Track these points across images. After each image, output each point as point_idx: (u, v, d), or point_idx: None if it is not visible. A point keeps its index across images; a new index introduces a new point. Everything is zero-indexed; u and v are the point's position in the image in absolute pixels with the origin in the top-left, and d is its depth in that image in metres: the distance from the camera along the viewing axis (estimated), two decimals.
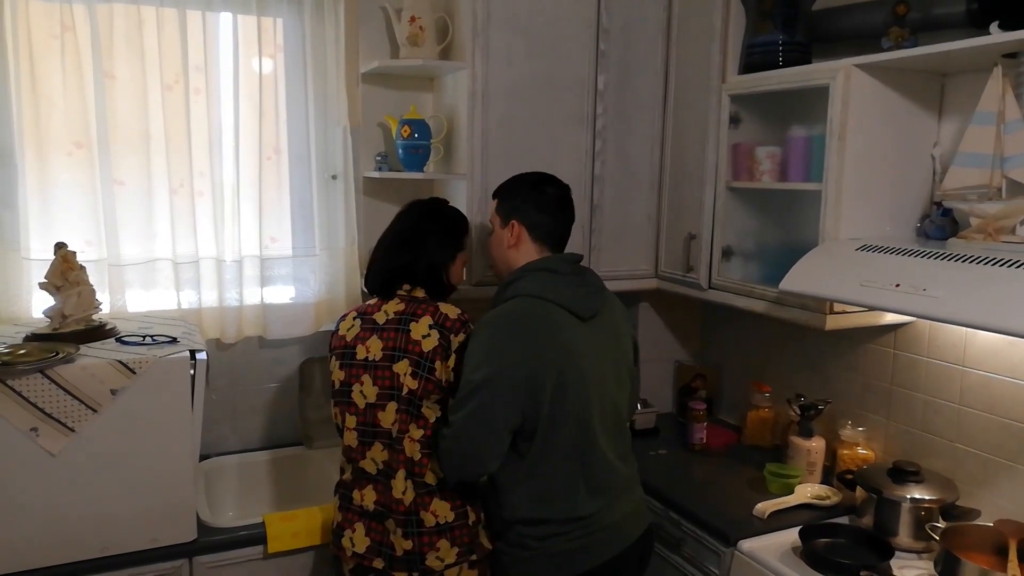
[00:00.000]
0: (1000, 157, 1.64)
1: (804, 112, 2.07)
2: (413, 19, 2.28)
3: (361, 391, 1.77)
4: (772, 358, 2.56)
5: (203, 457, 2.31)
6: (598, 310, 1.80)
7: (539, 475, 1.72)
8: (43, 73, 2.07)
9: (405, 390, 1.73)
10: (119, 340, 1.90)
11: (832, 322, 1.93)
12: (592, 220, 2.45)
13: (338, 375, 1.82)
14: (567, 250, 1.89)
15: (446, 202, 2.01)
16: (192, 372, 1.82)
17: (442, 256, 1.87)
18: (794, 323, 2.05)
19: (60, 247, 1.93)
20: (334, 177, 2.40)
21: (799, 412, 2.21)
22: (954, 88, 1.96)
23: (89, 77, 2.10)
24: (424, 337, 1.74)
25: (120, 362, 1.75)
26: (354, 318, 1.84)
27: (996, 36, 1.56)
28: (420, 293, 1.84)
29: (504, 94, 2.26)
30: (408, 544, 1.74)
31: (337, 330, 1.86)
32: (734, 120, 2.24)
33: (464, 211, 2.26)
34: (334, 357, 1.83)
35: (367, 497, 1.79)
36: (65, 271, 1.91)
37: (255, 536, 1.93)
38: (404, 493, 1.74)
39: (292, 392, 2.50)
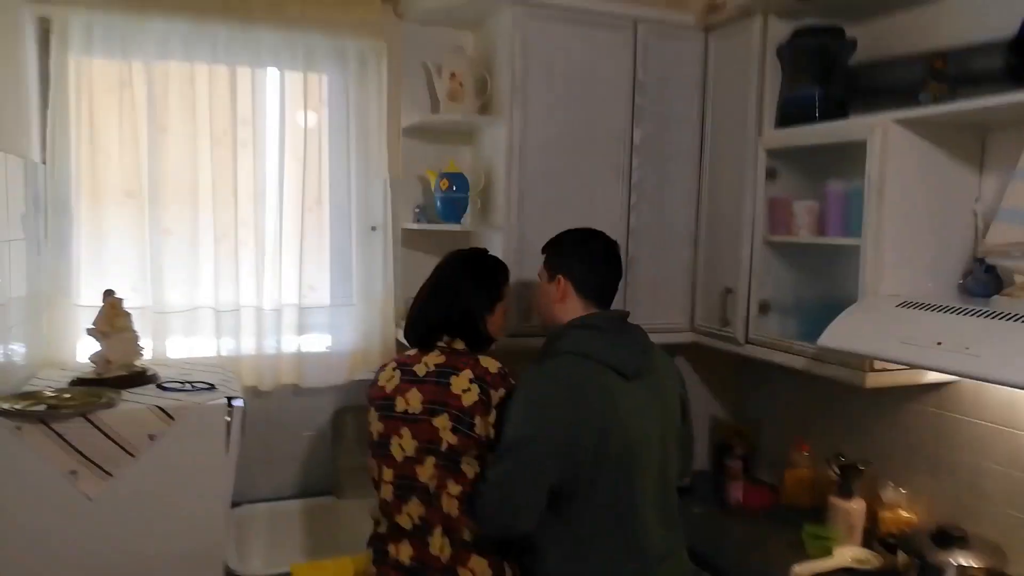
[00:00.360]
0: None
1: (842, 166, 2.06)
2: (453, 75, 2.35)
3: (400, 444, 1.75)
4: (811, 416, 2.50)
5: (235, 504, 2.31)
6: (643, 368, 1.75)
7: (577, 537, 1.68)
8: (102, 126, 2.18)
9: (444, 445, 1.70)
10: (159, 386, 1.94)
11: (872, 380, 1.89)
12: (628, 273, 2.44)
13: (377, 427, 1.79)
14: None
15: (485, 251, 2.02)
16: (228, 419, 1.85)
17: (478, 304, 1.86)
18: (834, 380, 2.00)
19: (108, 294, 1.99)
20: (373, 228, 2.45)
21: (839, 472, 2.14)
22: (995, 143, 1.94)
23: (144, 130, 2.20)
24: (464, 391, 1.72)
25: (159, 408, 1.78)
26: (394, 369, 1.82)
27: None
28: (460, 345, 1.82)
29: (541, 148, 2.29)
30: None
31: (376, 381, 1.83)
32: (771, 174, 2.24)
33: None
34: (373, 408, 1.81)
35: (403, 552, 1.76)
36: (112, 318, 1.97)
37: None
38: (441, 550, 1.72)
39: (325, 441, 2.51)
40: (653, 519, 1.74)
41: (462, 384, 1.73)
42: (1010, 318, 1.51)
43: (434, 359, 1.79)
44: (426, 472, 1.72)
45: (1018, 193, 1.65)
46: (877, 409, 2.25)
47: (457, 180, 2.36)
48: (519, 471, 1.63)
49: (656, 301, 2.51)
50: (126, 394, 1.85)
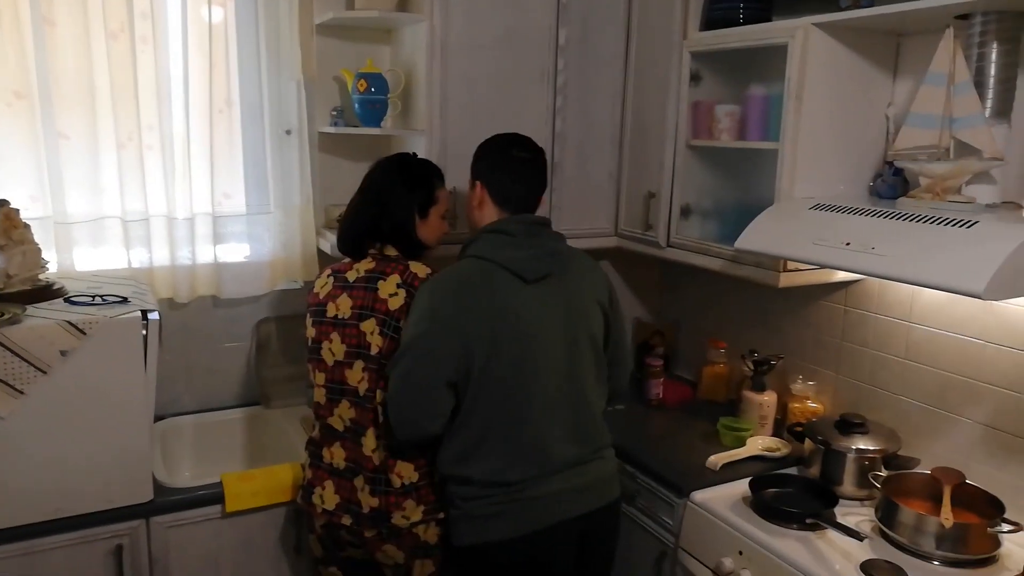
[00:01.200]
0: (949, 118, 1.67)
1: (764, 71, 2.07)
2: None
3: (330, 348, 1.78)
4: (728, 315, 2.60)
5: (158, 418, 2.27)
6: (547, 273, 1.73)
7: (465, 434, 1.70)
8: None
9: (373, 349, 1.74)
10: (67, 300, 1.85)
11: (785, 280, 1.97)
12: (553, 178, 2.44)
13: (310, 332, 1.84)
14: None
15: (414, 156, 1.98)
16: (144, 332, 1.79)
17: (405, 212, 1.84)
18: (749, 281, 2.08)
19: (2, 204, 1.86)
20: (288, 132, 2.34)
21: (752, 367, 2.26)
22: (909, 49, 1.98)
23: (28, 23, 2.00)
24: (391, 296, 1.75)
25: (69, 323, 1.71)
26: (328, 275, 1.85)
27: None
28: (392, 252, 1.83)
29: (463, 48, 2.21)
30: (375, 502, 1.76)
31: (313, 287, 1.88)
32: (695, 78, 2.23)
33: None
34: (308, 314, 1.86)
35: (336, 455, 1.80)
36: (8, 229, 1.85)
37: (213, 496, 1.93)
38: (374, 451, 1.76)
39: (249, 352, 2.47)
40: (554, 429, 1.73)
41: (389, 289, 1.75)
42: (913, 219, 1.59)
43: (365, 265, 1.81)
44: (355, 376, 1.75)
45: (926, 98, 1.69)
46: (789, 307, 2.36)
47: (376, 81, 2.26)
48: (415, 369, 1.65)
49: (581, 206, 2.51)
50: (31, 309, 1.76)
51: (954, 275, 1.41)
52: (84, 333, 1.72)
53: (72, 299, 1.85)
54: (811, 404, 2.23)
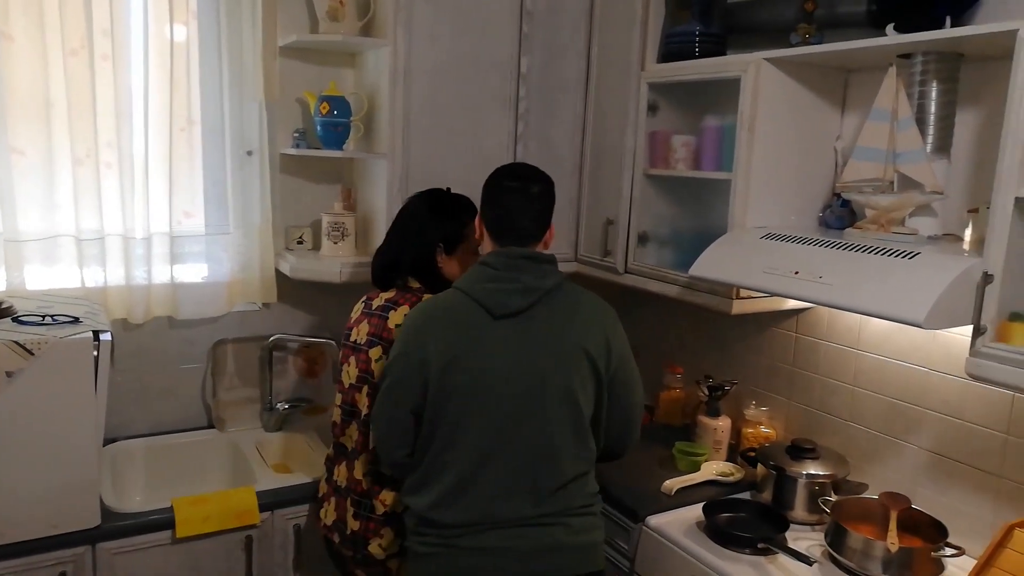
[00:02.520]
0: (893, 152, 1.73)
1: (719, 103, 2.13)
2: None
3: (347, 371, 1.86)
4: (684, 341, 2.64)
5: (109, 441, 2.24)
6: (518, 310, 1.61)
7: (420, 466, 1.65)
8: None
9: (375, 375, 1.78)
10: (16, 320, 1.81)
11: (738, 307, 2.01)
12: None
13: (340, 354, 1.93)
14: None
15: (447, 191, 1.97)
16: (96, 353, 1.76)
17: (427, 248, 1.86)
18: (704, 307, 2.12)
19: None
20: (249, 153, 2.34)
21: (707, 392, 2.29)
22: (857, 84, 2.05)
23: None
24: (396, 326, 1.79)
25: (16, 343, 1.67)
26: (362, 301, 1.93)
27: (891, 38, 1.64)
28: (415, 284, 1.88)
29: (426, 73, 2.24)
30: (356, 525, 1.79)
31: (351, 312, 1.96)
32: (652, 108, 2.29)
33: (384, 192, 2.26)
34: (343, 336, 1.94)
35: (341, 473, 1.86)
36: None
37: (163, 521, 1.89)
38: (364, 476, 1.80)
39: (204, 374, 2.43)
40: (497, 478, 1.59)
41: (396, 319, 1.80)
42: (859, 249, 1.64)
43: (387, 295, 1.88)
44: (362, 400, 1.81)
45: (872, 133, 1.76)
46: (743, 333, 2.41)
47: (338, 104, 2.27)
48: (384, 396, 1.67)
49: None
50: None
51: (897, 304, 1.46)
52: (32, 354, 1.68)
53: (21, 319, 1.81)
54: (764, 429, 2.27)
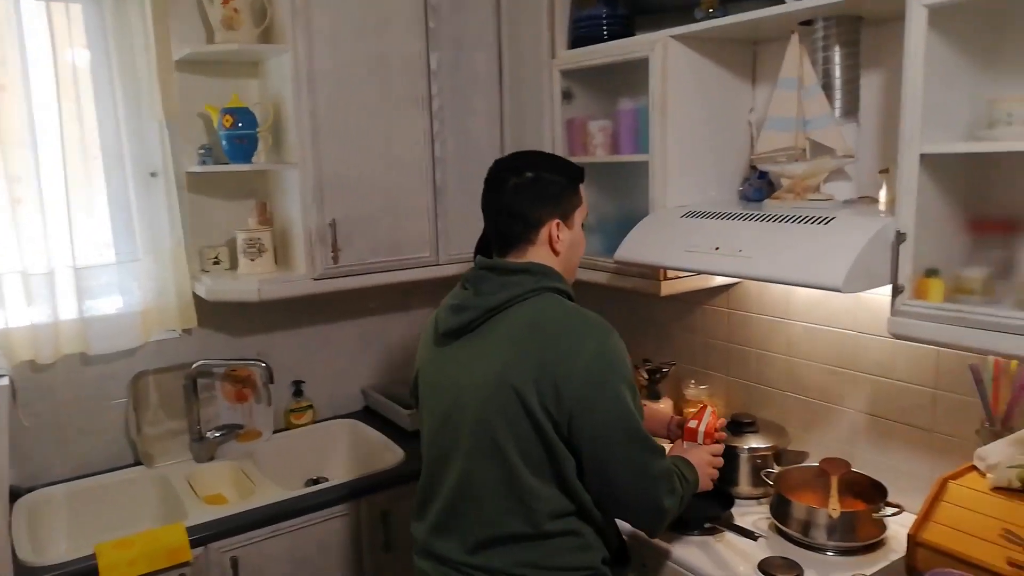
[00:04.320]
0: (803, 120, 1.73)
1: (631, 85, 2.11)
2: (226, 0, 2.14)
3: None
4: (620, 326, 2.59)
5: (27, 490, 2.11)
6: (452, 329, 1.42)
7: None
8: None
9: None
10: None
11: (667, 288, 2.00)
12: (437, 203, 2.41)
13: None
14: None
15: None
16: None
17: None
18: (635, 291, 2.10)
19: None
20: (153, 174, 2.22)
21: (646, 376, 2.28)
22: (765, 56, 2.05)
23: None
24: None
25: None
26: None
27: (790, 4, 1.64)
28: None
29: (331, 77, 2.17)
30: None
31: None
32: (567, 95, 2.26)
33: (299, 203, 2.18)
34: None
35: None
36: None
37: (86, 570, 1.76)
38: None
39: (126, 409, 2.31)
40: (440, 516, 1.45)
41: None
42: (776, 220, 1.63)
43: None
44: None
45: (781, 102, 1.75)
46: (676, 314, 2.40)
47: (242, 115, 2.18)
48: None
49: (468, 230, 2.48)
50: None
51: (815, 271, 1.45)
52: None
53: None
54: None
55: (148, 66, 2.18)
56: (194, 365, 2.30)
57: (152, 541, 1.83)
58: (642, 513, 1.39)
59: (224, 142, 2.20)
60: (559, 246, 1.46)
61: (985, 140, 1.38)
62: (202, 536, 1.88)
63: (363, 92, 2.23)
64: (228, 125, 2.17)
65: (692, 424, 1.65)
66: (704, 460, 1.57)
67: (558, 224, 1.45)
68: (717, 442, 1.63)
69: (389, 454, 2.31)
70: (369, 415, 2.64)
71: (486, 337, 1.38)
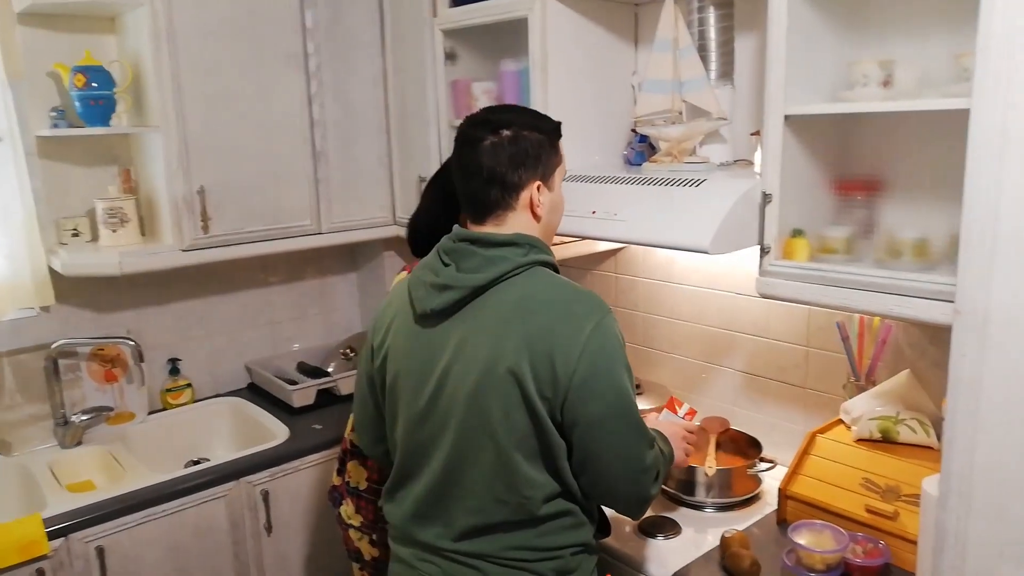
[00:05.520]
0: (679, 82, 1.72)
1: (514, 45, 2.05)
2: None
3: None
4: None
5: None
6: (436, 309, 1.27)
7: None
8: None
9: None
10: None
11: (555, 252, 1.97)
12: (317, 169, 2.31)
13: None
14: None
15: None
16: None
17: None
18: None
19: None
20: None
21: None
22: (646, 17, 2.04)
23: None
24: None
25: None
26: None
27: None
28: None
29: (195, 33, 2.02)
30: (337, 480, 1.82)
31: None
32: (450, 56, 2.18)
33: (163, 169, 2.04)
34: None
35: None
36: None
37: None
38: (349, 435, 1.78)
39: None
40: (421, 504, 1.34)
41: None
42: (653, 183, 1.62)
43: None
44: None
45: (658, 64, 1.74)
46: (569, 279, 2.38)
47: (96, 74, 2.01)
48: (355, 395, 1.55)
49: (352, 196, 2.40)
50: None
51: (683, 234, 1.46)
52: None
53: None
54: None
55: None
56: (54, 345, 2.14)
57: (3, 535, 1.70)
58: (631, 502, 1.32)
59: (77, 103, 2.02)
60: (540, 210, 1.32)
61: (844, 101, 1.40)
62: (62, 527, 1.75)
63: (231, 50, 2.09)
64: (80, 85, 1.99)
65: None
66: (679, 434, 1.51)
67: (539, 187, 1.30)
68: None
69: (274, 432, 2.22)
70: (254, 392, 2.54)
71: (475, 318, 1.25)
